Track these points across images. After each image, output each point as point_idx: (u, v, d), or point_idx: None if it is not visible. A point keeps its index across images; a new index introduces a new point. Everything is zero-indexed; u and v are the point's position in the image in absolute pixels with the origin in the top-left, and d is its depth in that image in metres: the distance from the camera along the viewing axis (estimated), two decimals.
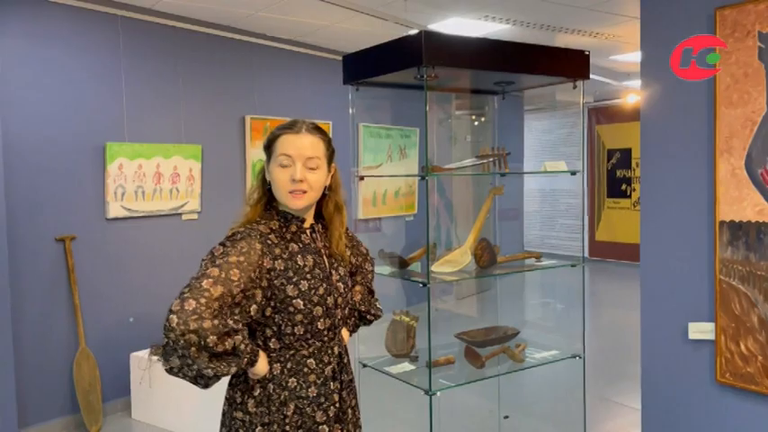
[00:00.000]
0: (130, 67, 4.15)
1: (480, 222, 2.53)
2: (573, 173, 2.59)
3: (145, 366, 3.83)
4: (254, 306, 1.51)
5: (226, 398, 1.65)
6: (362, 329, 1.96)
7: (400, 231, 5.82)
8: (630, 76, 7.19)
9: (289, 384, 1.59)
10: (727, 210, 2.23)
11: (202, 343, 1.38)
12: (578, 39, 5.19)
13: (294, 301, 1.56)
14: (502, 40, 2.51)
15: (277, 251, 1.57)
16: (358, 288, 1.86)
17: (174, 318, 1.37)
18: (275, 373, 1.58)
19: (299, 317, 1.57)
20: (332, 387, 1.66)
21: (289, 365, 1.60)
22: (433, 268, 2.46)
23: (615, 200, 9.45)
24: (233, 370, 1.46)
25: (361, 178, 2.77)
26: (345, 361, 1.75)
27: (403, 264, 2.63)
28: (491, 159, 2.46)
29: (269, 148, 1.63)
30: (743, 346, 2.21)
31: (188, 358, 1.40)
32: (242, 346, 1.46)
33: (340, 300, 1.68)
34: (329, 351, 1.66)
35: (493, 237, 2.91)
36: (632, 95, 8.80)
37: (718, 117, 2.24)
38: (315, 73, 5.40)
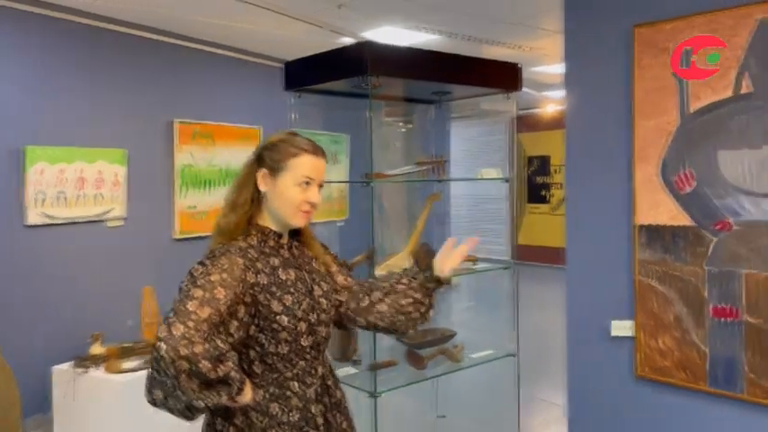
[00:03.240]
0: (51, 68, 3.97)
1: (420, 228, 2.60)
2: (506, 180, 2.72)
3: (68, 380, 3.66)
4: (236, 323, 1.45)
5: (206, 422, 1.59)
6: None
7: (333, 237, 5.83)
8: (550, 87, 7.53)
9: (270, 410, 1.54)
10: (644, 214, 2.39)
11: (194, 369, 1.31)
12: (503, 51, 5.38)
13: (278, 317, 1.52)
14: (443, 51, 2.60)
15: (259, 265, 1.54)
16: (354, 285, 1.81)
17: (162, 345, 1.30)
18: (257, 399, 1.52)
19: (283, 334, 1.54)
20: (313, 411, 1.61)
21: (271, 390, 1.55)
22: (375, 273, 2.51)
23: (535, 205, 9.83)
24: (224, 400, 1.37)
25: None
26: (330, 383, 1.70)
27: None
28: (430, 166, 2.54)
29: (281, 161, 1.59)
30: (660, 342, 2.37)
31: (177, 389, 1.32)
32: (232, 373, 1.37)
33: (323, 316, 1.65)
34: (312, 371, 1.63)
35: (427, 242, 2.98)
36: (552, 105, 9.21)
37: (635, 128, 2.40)
38: (246, 78, 5.34)
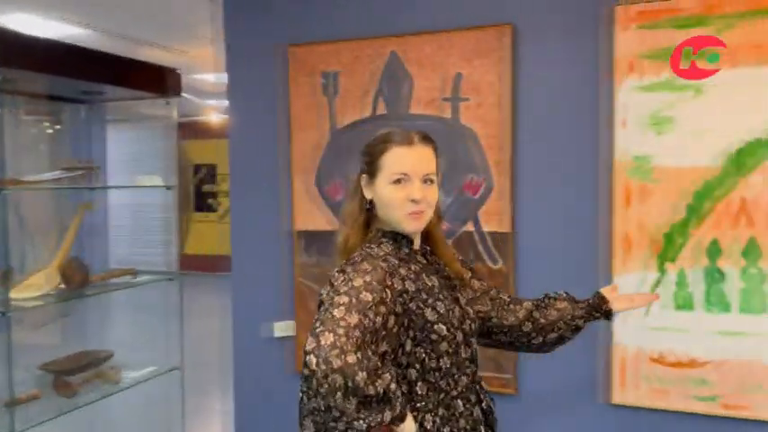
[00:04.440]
0: None
1: (69, 241, 2.34)
2: (168, 187, 2.63)
3: None
4: (383, 332, 1.26)
5: None
6: None
7: None
8: (213, 96, 7.56)
9: None
10: (302, 221, 2.57)
11: (350, 384, 1.13)
12: (163, 54, 5.23)
13: (436, 326, 1.35)
14: (94, 49, 2.41)
15: (402, 272, 1.36)
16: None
17: (312, 359, 1.13)
18: (428, 426, 1.34)
19: (443, 345, 1.37)
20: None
21: (440, 412, 1.37)
22: (11, 294, 2.17)
23: (203, 214, 9.75)
24: (387, 418, 1.18)
25: None
26: (490, 402, 1.52)
27: None
28: (80, 173, 2.30)
29: (373, 162, 1.42)
30: None
31: (334, 410, 1.13)
32: (392, 386, 1.19)
33: (473, 326, 1.48)
34: (475, 388, 1.47)
35: (78, 256, 2.71)
36: (216, 113, 9.24)
37: (293, 140, 2.57)
38: None
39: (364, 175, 1.46)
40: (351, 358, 1.14)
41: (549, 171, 2.25)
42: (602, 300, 1.63)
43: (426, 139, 1.45)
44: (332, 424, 1.18)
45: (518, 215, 2.27)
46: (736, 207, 1.97)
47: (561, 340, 1.63)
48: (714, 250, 2.01)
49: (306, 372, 1.16)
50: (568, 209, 2.23)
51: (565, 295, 1.65)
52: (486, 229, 2.31)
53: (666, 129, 2.04)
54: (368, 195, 1.45)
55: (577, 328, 1.62)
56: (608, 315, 1.63)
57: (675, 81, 2.02)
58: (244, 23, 2.65)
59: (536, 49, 2.24)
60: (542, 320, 1.60)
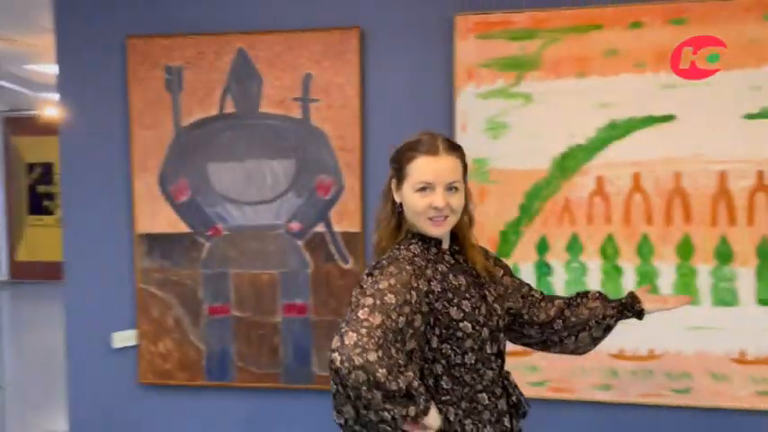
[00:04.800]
0: None
1: None
2: None
3: None
4: (410, 331, 1.36)
5: None
6: None
7: None
8: (49, 88, 6.93)
9: (465, 427, 1.44)
10: (144, 223, 2.44)
11: (372, 379, 1.23)
12: None
13: (461, 324, 1.43)
14: None
15: (428, 273, 1.45)
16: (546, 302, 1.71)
17: (336, 356, 1.24)
18: (451, 418, 1.42)
19: (468, 342, 1.45)
20: (507, 424, 1.52)
21: (463, 405, 1.45)
22: None
23: (38, 217, 8.89)
24: (411, 413, 1.28)
25: None
26: (519, 396, 1.58)
27: None
28: None
29: (401, 169, 1.50)
30: (161, 347, 2.45)
31: (361, 400, 1.24)
32: (415, 383, 1.29)
33: (501, 322, 1.54)
34: (501, 382, 1.54)
35: None
36: (51, 108, 8.48)
37: (134, 138, 2.42)
38: None
39: (393, 180, 1.55)
40: (371, 356, 1.24)
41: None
42: (635, 299, 1.68)
43: (452, 147, 1.51)
44: (363, 411, 1.27)
45: (368, 215, 2.31)
46: (560, 206, 2.16)
47: (593, 341, 1.69)
48: (542, 246, 2.18)
49: (332, 367, 1.25)
50: None
51: (597, 294, 1.71)
52: (337, 229, 2.33)
53: (501, 133, 2.19)
54: (397, 199, 1.54)
55: (608, 328, 1.67)
56: (639, 315, 1.67)
57: (508, 90, 2.18)
58: (79, 11, 2.47)
59: (384, 53, 2.29)
60: (573, 318, 1.67)
